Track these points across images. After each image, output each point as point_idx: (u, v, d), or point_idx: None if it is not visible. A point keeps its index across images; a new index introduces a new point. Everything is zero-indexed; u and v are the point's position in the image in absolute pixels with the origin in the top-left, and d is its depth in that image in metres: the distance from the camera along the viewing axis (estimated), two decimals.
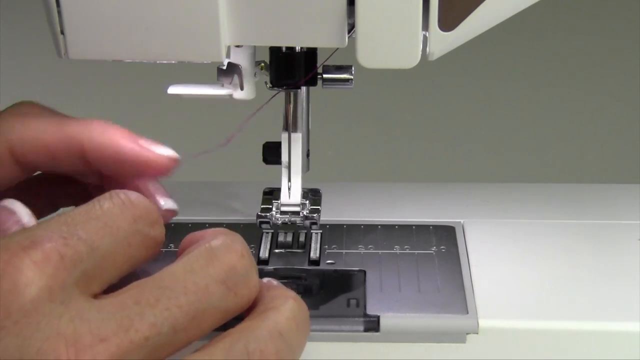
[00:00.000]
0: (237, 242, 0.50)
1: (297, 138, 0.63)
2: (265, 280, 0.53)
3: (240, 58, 0.60)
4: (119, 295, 0.46)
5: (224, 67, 0.60)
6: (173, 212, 0.64)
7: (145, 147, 0.58)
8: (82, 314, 0.44)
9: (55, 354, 0.43)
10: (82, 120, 0.59)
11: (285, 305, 0.49)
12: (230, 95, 0.61)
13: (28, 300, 0.43)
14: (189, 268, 0.47)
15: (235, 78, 0.60)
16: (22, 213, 0.52)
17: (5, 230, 0.51)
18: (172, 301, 0.46)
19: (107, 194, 0.49)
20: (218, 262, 0.48)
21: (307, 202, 0.64)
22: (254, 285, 0.50)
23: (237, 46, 0.59)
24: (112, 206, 0.48)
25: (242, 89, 0.60)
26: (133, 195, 0.49)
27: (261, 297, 0.50)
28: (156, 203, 0.63)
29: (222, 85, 0.61)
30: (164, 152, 0.59)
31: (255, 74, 0.61)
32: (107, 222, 0.47)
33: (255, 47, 0.60)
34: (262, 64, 0.61)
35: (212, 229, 0.52)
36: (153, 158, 0.58)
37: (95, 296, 0.46)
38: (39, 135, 0.58)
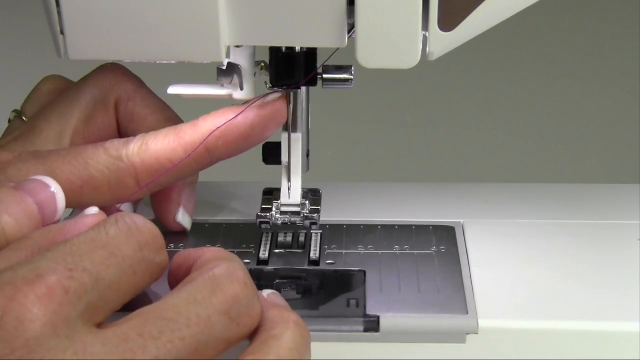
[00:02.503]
0: (239, 269, 0.49)
1: (297, 138, 0.63)
2: (266, 294, 0.52)
3: (240, 58, 0.60)
4: (122, 326, 0.46)
5: (224, 68, 0.60)
6: (183, 229, 0.65)
7: (259, 106, 0.60)
8: (86, 348, 0.44)
9: None
10: (190, 124, 0.61)
11: (287, 334, 0.49)
12: (230, 96, 0.61)
13: (32, 336, 0.43)
14: (192, 299, 0.47)
15: (235, 78, 0.60)
16: (56, 187, 0.53)
17: (40, 203, 0.52)
18: (175, 334, 0.46)
19: (113, 218, 0.48)
20: (222, 293, 0.48)
21: (307, 202, 0.64)
22: (256, 313, 0.49)
23: (237, 46, 0.59)
24: (118, 233, 0.48)
25: (242, 89, 0.60)
26: (140, 220, 0.49)
27: (263, 319, 0.50)
28: (175, 212, 0.64)
29: (222, 86, 0.61)
30: (273, 96, 0.61)
31: (255, 74, 0.61)
32: (113, 251, 0.47)
33: (255, 47, 0.60)
34: (262, 64, 0.61)
35: (209, 248, 0.51)
36: (276, 110, 0.60)
37: (99, 325, 0.46)
38: (160, 155, 0.60)
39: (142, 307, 0.47)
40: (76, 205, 0.60)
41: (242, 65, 0.60)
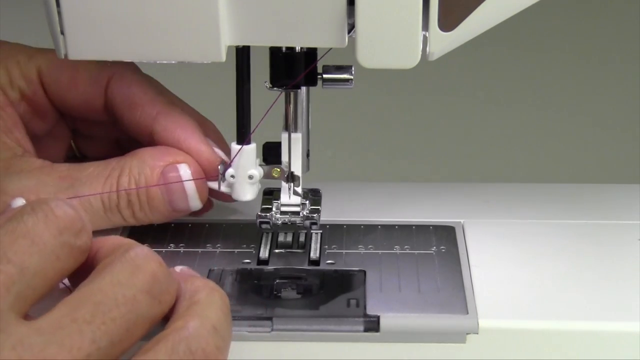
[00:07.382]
0: (151, 250, 0.51)
1: (297, 138, 0.63)
2: (178, 269, 0.54)
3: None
4: (53, 314, 0.46)
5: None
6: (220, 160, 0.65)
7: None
8: (23, 340, 0.44)
9: None
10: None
11: (211, 297, 0.50)
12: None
13: None
14: (116, 281, 0.48)
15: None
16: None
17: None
18: (106, 315, 0.46)
19: (29, 207, 0.49)
20: (141, 273, 0.49)
21: (307, 202, 0.64)
22: (174, 290, 0.51)
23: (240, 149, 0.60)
24: (36, 221, 0.48)
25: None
26: (56, 205, 0.49)
27: (181, 290, 0.51)
28: (214, 152, 0.65)
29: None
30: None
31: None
32: (33, 239, 0.47)
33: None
34: (277, 169, 0.63)
35: (107, 237, 0.52)
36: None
37: (26, 317, 0.46)
38: (64, 63, 0.62)
39: (66, 297, 0.47)
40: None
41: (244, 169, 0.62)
